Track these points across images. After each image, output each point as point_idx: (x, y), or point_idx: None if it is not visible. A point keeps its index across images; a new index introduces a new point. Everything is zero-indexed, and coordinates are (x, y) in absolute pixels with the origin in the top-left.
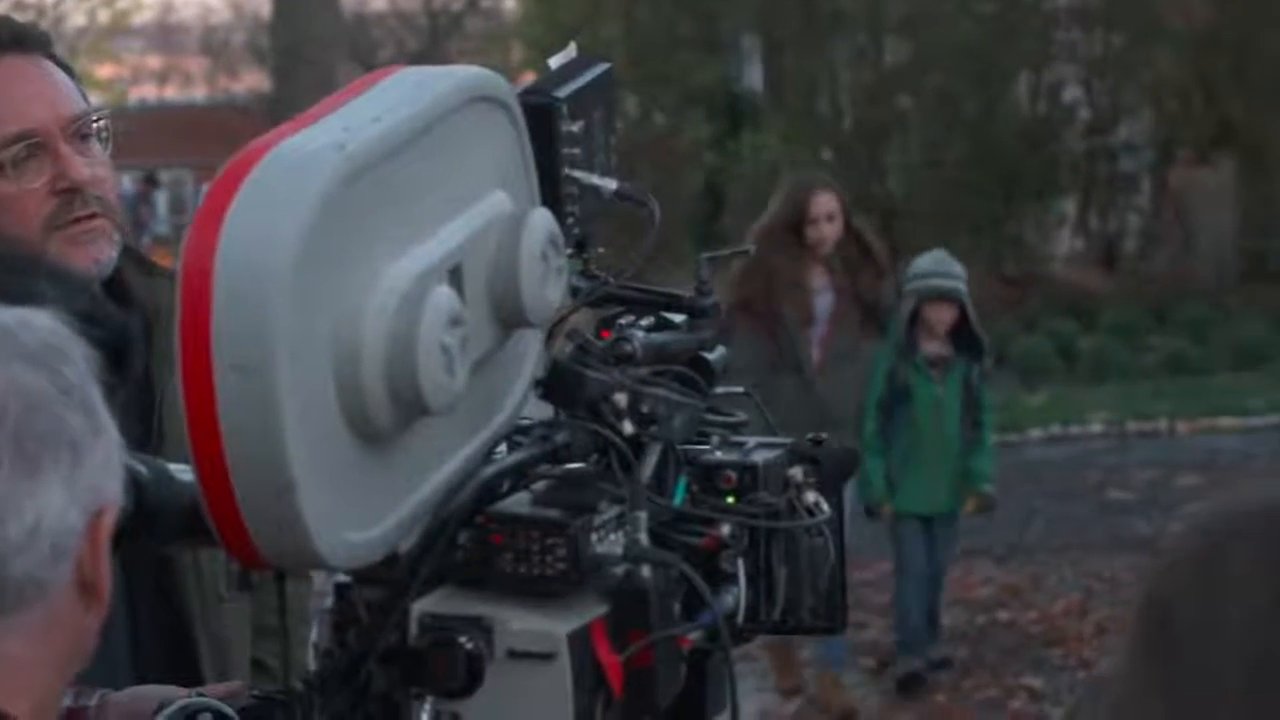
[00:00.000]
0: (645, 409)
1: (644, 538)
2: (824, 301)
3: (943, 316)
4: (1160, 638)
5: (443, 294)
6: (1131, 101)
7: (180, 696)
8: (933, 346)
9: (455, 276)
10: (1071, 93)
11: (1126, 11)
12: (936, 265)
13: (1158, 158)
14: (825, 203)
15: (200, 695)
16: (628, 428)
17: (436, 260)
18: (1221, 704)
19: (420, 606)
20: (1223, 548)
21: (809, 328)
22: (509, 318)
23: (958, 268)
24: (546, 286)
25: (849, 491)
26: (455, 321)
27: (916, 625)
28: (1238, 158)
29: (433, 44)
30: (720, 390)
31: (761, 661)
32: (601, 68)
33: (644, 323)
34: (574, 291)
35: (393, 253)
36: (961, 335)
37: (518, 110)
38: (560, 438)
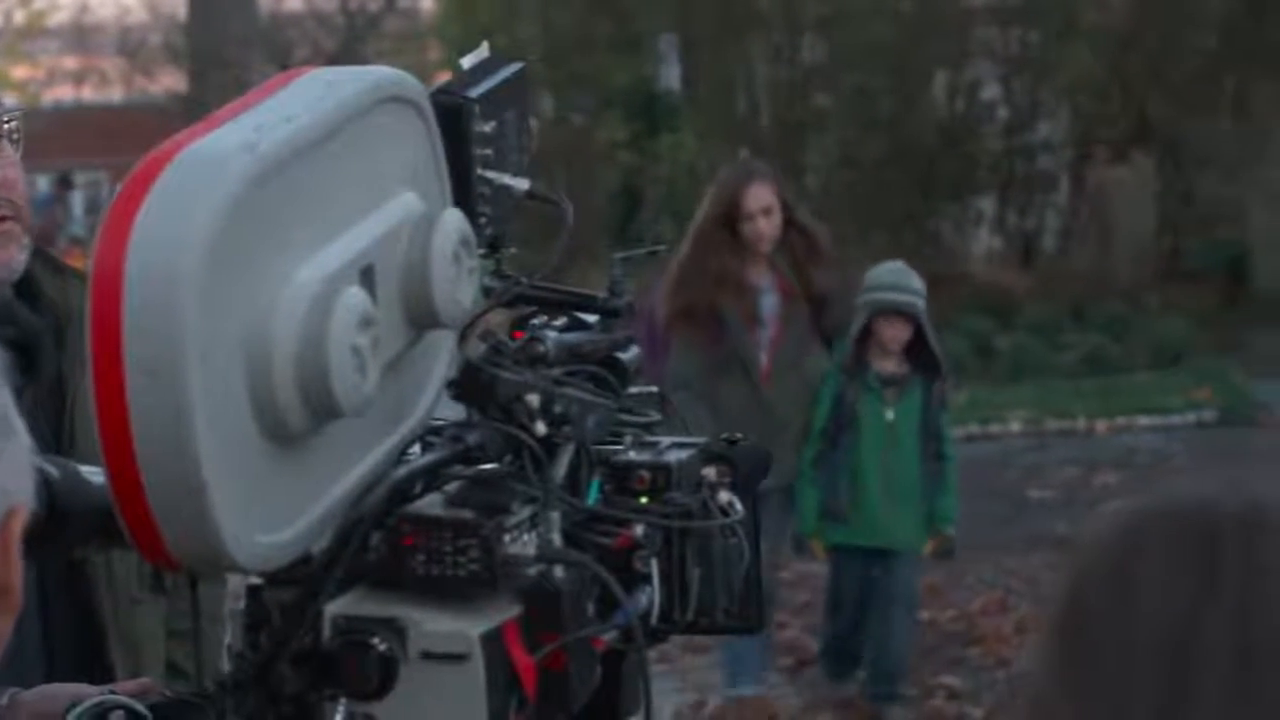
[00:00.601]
0: (558, 409)
1: (557, 538)
2: (769, 302)
3: (897, 333)
4: (1075, 639)
5: (354, 295)
6: (1049, 100)
7: (91, 695)
8: (886, 365)
9: (367, 277)
10: (989, 91)
11: (1044, 10)
12: (893, 278)
13: (1076, 156)
14: (760, 195)
15: (112, 694)
16: (540, 428)
17: (347, 261)
18: (1135, 705)
19: (333, 608)
20: (1137, 550)
21: (755, 331)
22: (421, 318)
23: (916, 281)
24: (458, 287)
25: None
26: (366, 322)
27: (839, 661)
28: (1156, 156)
29: (349, 44)
30: (634, 390)
31: (679, 663)
32: (515, 68)
33: (558, 323)
34: (487, 292)
35: (303, 254)
36: (916, 354)
37: (429, 111)
38: (472, 439)
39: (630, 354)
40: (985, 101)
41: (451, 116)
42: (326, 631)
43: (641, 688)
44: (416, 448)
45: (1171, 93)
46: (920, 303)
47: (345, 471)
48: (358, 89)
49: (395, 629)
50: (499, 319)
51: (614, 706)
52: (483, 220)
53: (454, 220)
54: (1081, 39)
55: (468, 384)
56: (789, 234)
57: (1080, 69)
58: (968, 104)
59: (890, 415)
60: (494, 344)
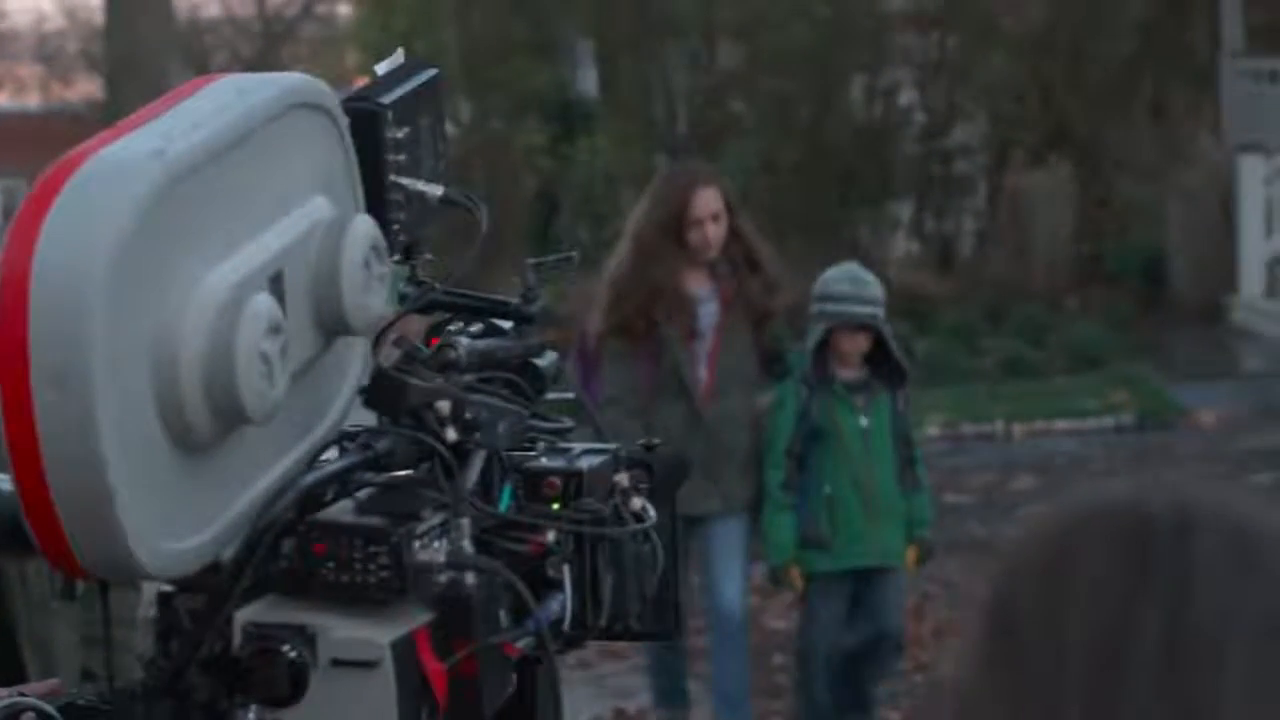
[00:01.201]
0: (468, 416)
1: (468, 545)
2: (708, 312)
3: (857, 345)
4: (1007, 640)
5: (262, 301)
6: (967, 104)
7: (1, 697)
8: (849, 373)
9: (276, 283)
10: (907, 96)
11: (961, 15)
12: (852, 287)
13: (993, 160)
14: (709, 200)
15: (22, 695)
16: (451, 435)
17: (256, 267)
18: (1067, 706)
19: (244, 615)
20: (1069, 550)
21: (693, 343)
22: (331, 325)
23: (874, 287)
24: (369, 293)
25: None
26: (274, 329)
27: (823, 709)
28: (1073, 160)
29: (267, 50)
30: (551, 396)
31: (597, 669)
32: (430, 73)
33: (473, 329)
34: (403, 298)
35: (212, 260)
36: (877, 363)
37: (341, 117)
38: (382, 445)
39: (547, 360)
40: (902, 106)
41: (364, 123)
42: (237, 639)
43: (553, 695)
44: (332, 453)
45: (1088, 97)
46: (881, 312)
47: (255, 478)
48: (267, 95)
49: (305, 636)
50: (417, 325)
51: (529, 713)
52: (396, 227)
53: (364, 226)
54: (998, 44)
55: (378, 390)
56: (730, 242)
57: (997, 73)
58: (885, 109)
59: (864, 422)
60: (408, 350)
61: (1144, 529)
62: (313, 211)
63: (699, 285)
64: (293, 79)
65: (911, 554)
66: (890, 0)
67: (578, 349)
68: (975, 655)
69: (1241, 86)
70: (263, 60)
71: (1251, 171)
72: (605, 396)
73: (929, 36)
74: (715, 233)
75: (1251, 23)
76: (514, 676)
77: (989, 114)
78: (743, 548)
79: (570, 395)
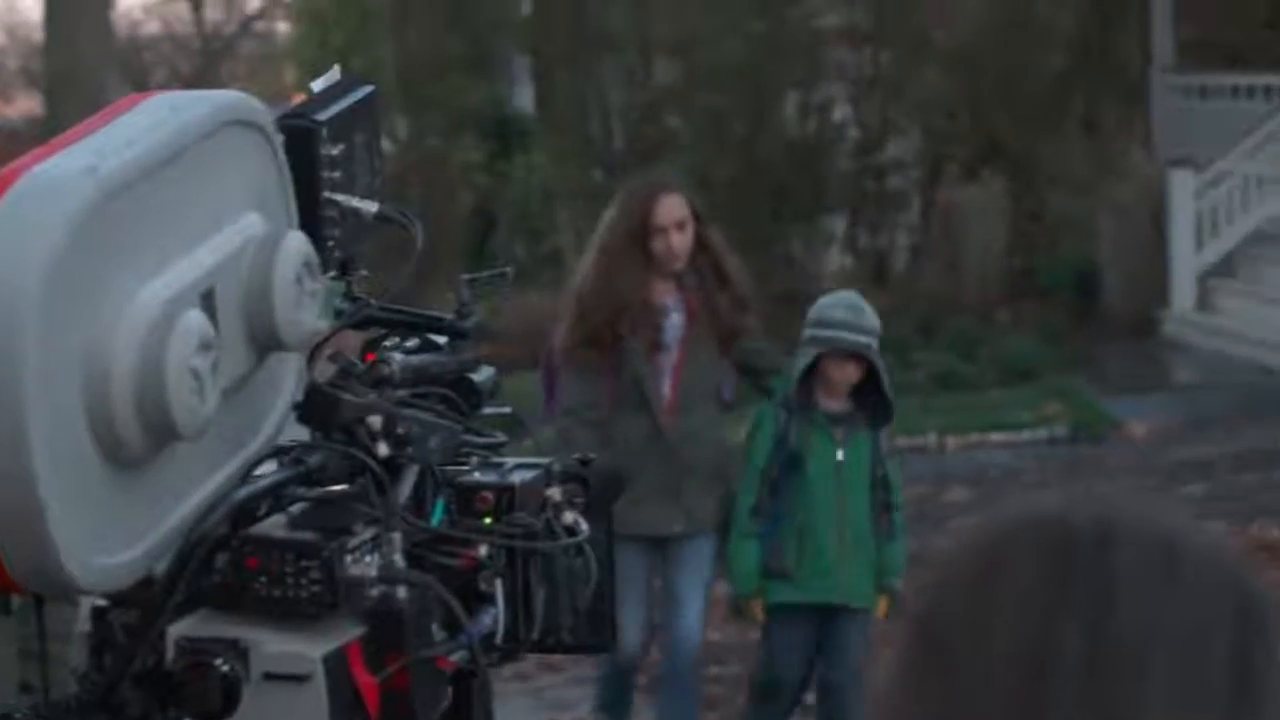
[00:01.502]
0: (400, 431)
1: (399, 559)
2: (673, 325)
3: (848, 375)
4: (935, 651)
5: (193, 318)
6: (900, 120)
7: None
8: (833, 403)
9: (208, 300)
10: (840, 111)
11: (894, 31)
12: (848, 315)
13: (926, 175)
14: (674, 208)
15: None
16: (383, 450)
17: (188, 284)
18: (993, 716)
19: (177, 629)
20: (996, 563)
21: (657, 356)
22: (264, 341)
23: (870, 317)
24: (301, 310)
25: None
26: (205, 345)
27: None
28: (1005, 174)
29: (206, 67)
30: (488, 411)
31: (535, 681)
32: (366, 90)
33: (409, 345)
34: (338, 314)
35: (144, 276)
36: (863, 395)
37: (275, 134)
38: (314, 460)
39: (483, 375)
40: (836, 122)
41: (299, 140)
42: (170, 653)
43: (486, 709)
44: (267, 467)
45: (1021, 112)
46: (875, 343)
47: (187, 493)
48: (201, 113)
49: (238, 650)
50: (354, 341)
51: None
52: (331, 243)
53: (296, 243)
54: (931, 59)
55: (310, 406)
56: (697, 253)
57: (930, 89)
58: (819, 124)
59: (840, 455)
60: (343, 366)
61: (1067, 542)
62: (245, 228)
63: (665, 296)
64: (226, 96)
65: (883, 604)
66: (824, 16)
67: (544, 363)
68: (904, 666)
69: (1172, 102)
70: (201, 77)
71: (1182, 186)
72: (563, 407)
73: (862, 52)
74: (680, 242)
75: (1182, 39)
76: (449, 690)
77: (922, 129)
78: (707, 573)
79: (507, 410)
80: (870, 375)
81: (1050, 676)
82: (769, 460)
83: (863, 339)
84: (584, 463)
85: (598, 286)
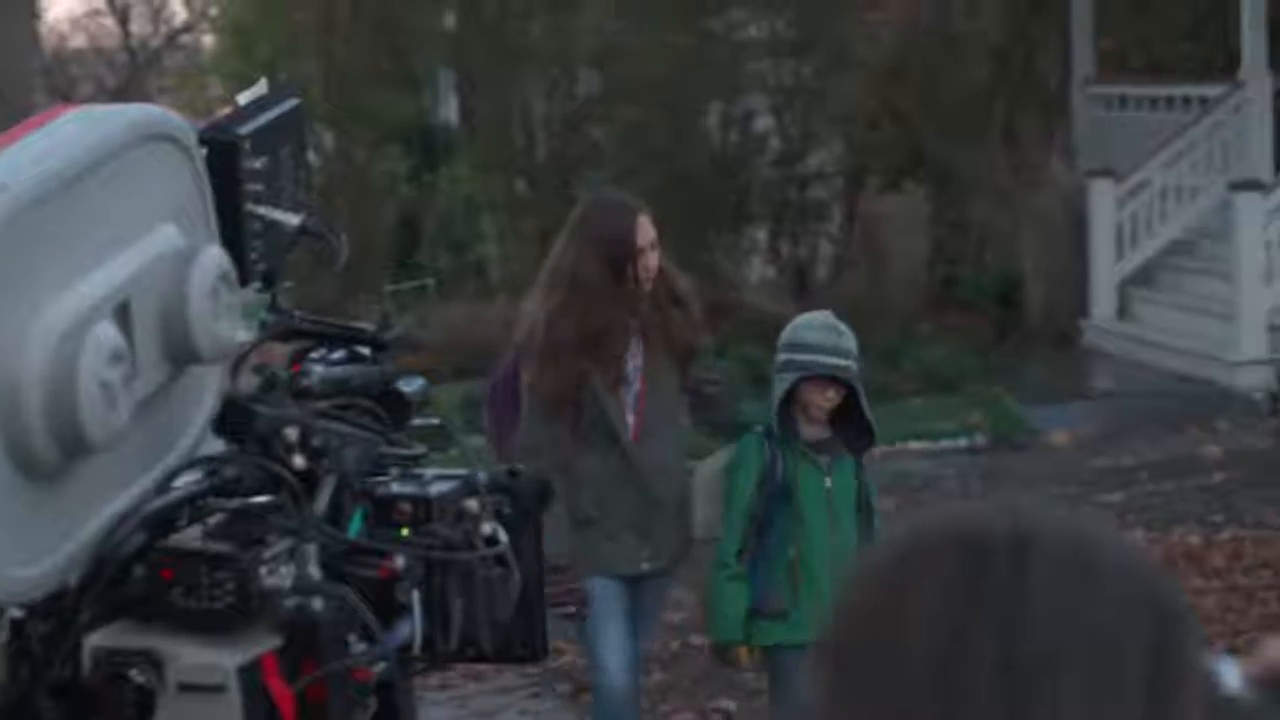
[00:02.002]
0: (316, 443)
1: (314, 570)
2: (633, 353)
3: (828, 398)
4: (853, 660)
5: (104, 331)
6: (822, 130)
7: None
8: (814, 430)
9: (122, 312)
10: (762, 122)
11: (816, 42)
12: (825, 336)
13: (848, 185)
14: (648, 227)
15: None
16: (298, 462)
17: (101, 297)
18: None
19: (94, 640)
20: (910, 573)
21: (620, 390)
22: (180, 353)
23: (848, 339)
24: (217, 322)
25: None
26: (117, 358)
27: None
28: (927, 185)
29: (132, 80)
30: (417, 422)
31: (460, 689)
32: (291, 103)
33: (336, 356)
34: (264, 326)
35: (56, 289)
36: (843, 418)
37: (194, 147)
38: (229, 472)
39: (414, 386)
40: (758, 133)
41: (221, 153)
42: (87, 663)
43: (409, 717)
44: (189, 478)
45: (942, 122)
46: (855, 366)
47: (102, 505)
48: (116, 127)
49: (153, 661)
50: (282, 352)
51: None
52: (255, 255)
53: (212, 256)
54: (853, 70)
55: (226, 418)
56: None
57: (852, 100)
58: (741, 135)
59: (828, 483)
60: (268, 377)
61: (982, 551)
62: (161, 241)
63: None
64: (143, 110)
65: None
66: (746, 29)
67: (493, 398)
68: (825, 673)
69: (1092, 112)
70: (128, 90)
71: (1102, 196)
72: (523, 446)
73: (784, 64)
74: (654, 263)
75: (1102, 50)
76: (373, 700)
77: (844, 139)
78: (659, 615)
79: (436, 421)
80: (849, 398)
81: (963, 687)
82: (754, 496)
83: (842, 361)
84: (512, 474)
85: (579, 321)
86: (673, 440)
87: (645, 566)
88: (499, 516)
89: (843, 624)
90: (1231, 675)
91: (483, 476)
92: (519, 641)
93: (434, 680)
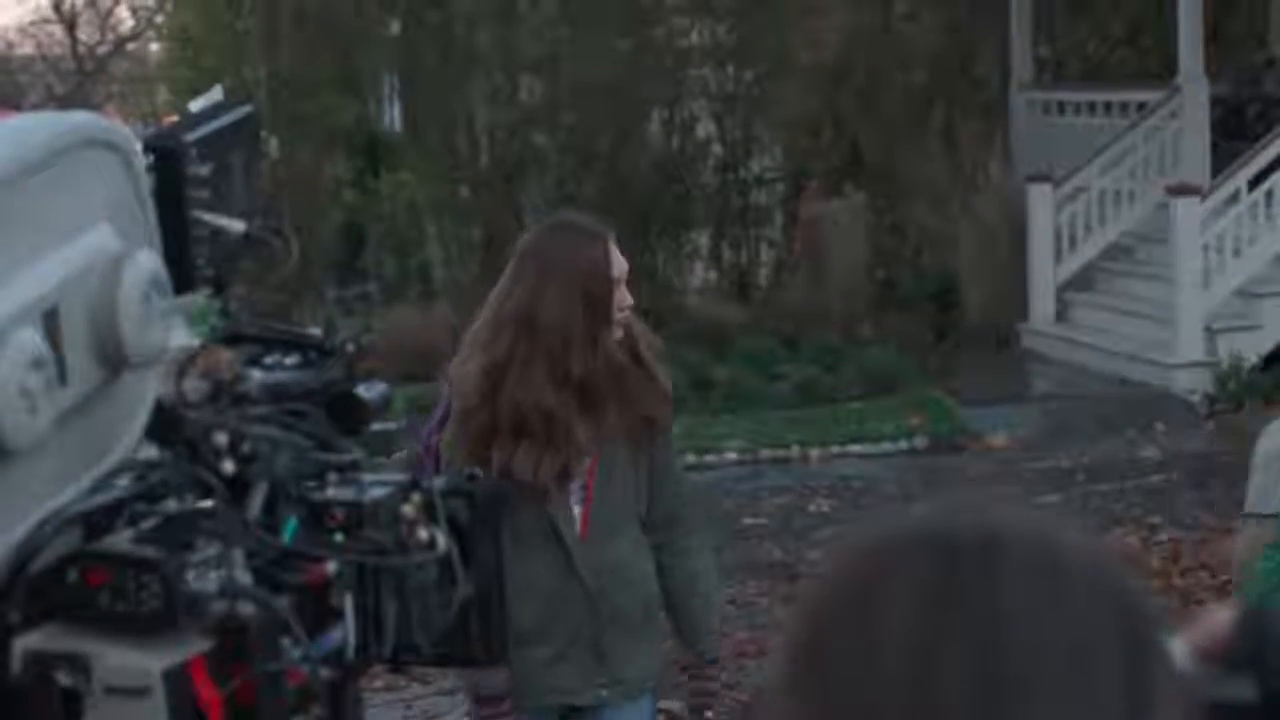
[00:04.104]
0: (246, 448)
1: (241, 574)
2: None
3: None
4: (818, 671)
5: (25, 337)
6: (763, 136)
7: None
8: None
9: (51, 318)
10: (704, 128)
11: (757, 49)
12: None
13: (789, 190)
14: (619, 256)
15: None
16: (228, 467)
17: (27, 302)
18: None
19: (24, 643)
20: (877, 579)
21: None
22: (112, 359)
23: None
24: (148, 328)
25: None
26: (38, 363)
27: None
28: (867, 189)
29: (79, 88)
30: (376, 427)
31: (405, 691)
32: (242, 111)
33: (287, 361)
34: (213, 331)
35: None
36: None
37: (133, 154)
38: (157, 476)
39: (373, 392)
40: (700, 139)
41: (166, 159)
42: (16, 666)
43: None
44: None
45: (882, 127)
46: None
47: (31, 509)
48: (51, 133)
49: (80, 664)
50: (228, 358)
51: None
52: (200, 262)
53: (144, 261)
54: (794, 76)
55: (157, 423)
56: None
57: (793, 105)
58: (683, 141)
59: None
60: (214, 383)
61: (952, 557)
62: (94, 247)
63: None
64: (76, 117)
65: None
66: (688, 35)
67: (435, 425)
68: (786, 684)
69: (1030, 117)
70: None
71: (1040, 200)
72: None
73: (725, 70)
74: (628, 300)
75: (1039, 56)
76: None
77: (785, 145)
78: None
79: (393, 425)
80: None
81: (937, 699)
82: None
83: None
84: (471, 478)
85: (528, 375)
86: (632, 534)
87: (603, 694)
88: (453, 522)
89: (811, 621)
90: (1177, 650)
91: (439, 481)
92: (479, 645)
93: (379, 682)
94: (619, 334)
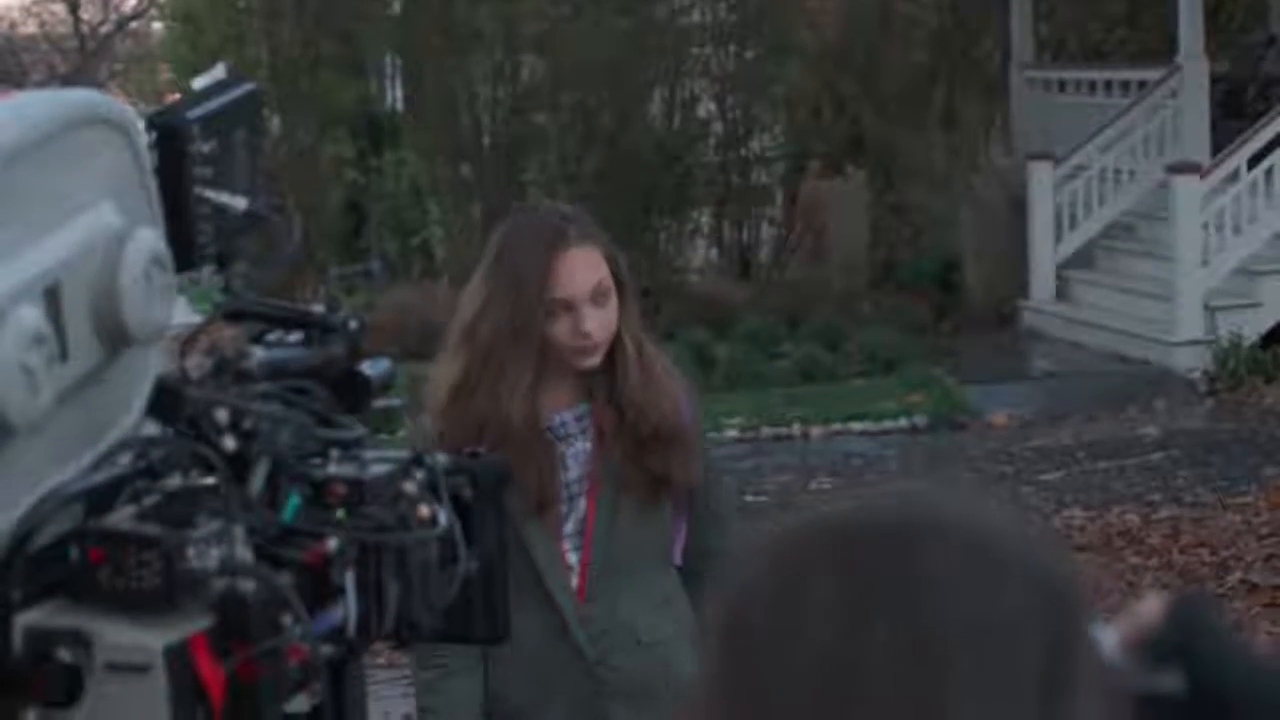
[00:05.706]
0: (247, 425)
1: (242, 551)
2: (576, 455)
3: None
4: (740, 662)
5: (26, 314)
6: (764, 115)
7: None
8: None
9: (52, 295)
10: (705, 107)
11: (758, 28)
12: None
13: (790, 169)
14: (586, 263)
15: None
16: (229, 444)
17: (27, 279)
18: None
19: (25, 620)
20: (795, 573)
21: (550, 517)
22: (113, 336)
23: None
24: (150, 305)
25: None
26: (39, 340)
27: None
28: (867, 168)
29: (83, 66)
30: (379, 404)
31: (407, 669)
32: (246, 88)
33: (291, 339)
34: (216, 308)
35: None
36: None
37: (136, 132)
38: (158, 453)
39: (378, 369)
40: (701, 117)
41: (169, 137)
42: (17, 643)
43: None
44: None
45: (881, 107)
46: None
47: (33, 486)
48: (51, 111)
49: (81, 640)
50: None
51: (340, 714)
52: (203, 239)
53: (146, 238)
54: (794, 55)
55: (156, 400)
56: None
57: (793, 85)
58: (684, 120)
59: None
60: (217, 360)
61: (871, 544)
62: (95, 224)
63: (560, 408)
64: (77, 94)
65: None
66: (689, 14)
67: None
68: (710, 674)
69: (1031, 96)
70: (78, 76)
71: (1041, 179)
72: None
73: (726, 48)
74: (599, 321)
75: (1041, 34)
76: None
77: (786, 124)
78: None
79: (397, 402)
80: None
81: (858, 680)
82: None
83: None
84: (473, 455)
85: (461, 399)
86: (642, 591)
87: None
88: (456, 499)
89: (734, 607)
90: (1107, 640)
91: (441, 458)
92: (481, 622)
93: (382, 659)
94: (591, 357)
